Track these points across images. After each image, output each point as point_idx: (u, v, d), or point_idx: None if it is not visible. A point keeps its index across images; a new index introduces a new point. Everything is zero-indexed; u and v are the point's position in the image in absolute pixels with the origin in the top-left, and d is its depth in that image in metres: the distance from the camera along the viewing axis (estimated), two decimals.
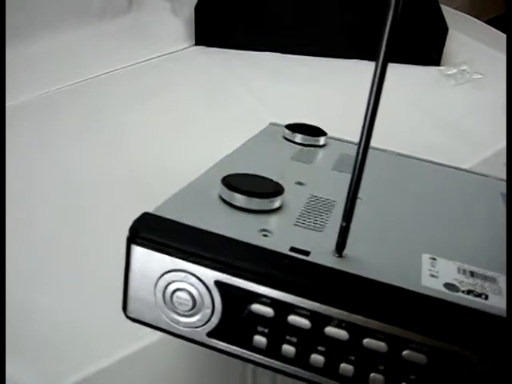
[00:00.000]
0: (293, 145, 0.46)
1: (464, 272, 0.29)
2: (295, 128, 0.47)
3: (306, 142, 0.46)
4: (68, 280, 0.45)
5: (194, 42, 0.79)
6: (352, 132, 0.64)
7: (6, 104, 0.62)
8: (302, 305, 0.27)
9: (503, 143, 0.61)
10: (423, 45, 0.75)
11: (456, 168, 0.47)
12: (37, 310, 0.43)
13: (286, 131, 0.47)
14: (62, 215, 0.51)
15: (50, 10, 0.76)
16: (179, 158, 0.59)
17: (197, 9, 0.77)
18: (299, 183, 0.37)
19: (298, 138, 0.46)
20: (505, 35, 0.78)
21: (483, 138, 0.63)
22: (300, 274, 0.27)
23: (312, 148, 0.46)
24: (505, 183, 0.45)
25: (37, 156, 0.59)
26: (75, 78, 0.71)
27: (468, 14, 0.86)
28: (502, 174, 0.46)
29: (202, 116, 0.66)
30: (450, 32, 0.73)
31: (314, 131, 0.47)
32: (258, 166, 0.36)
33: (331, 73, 0.74)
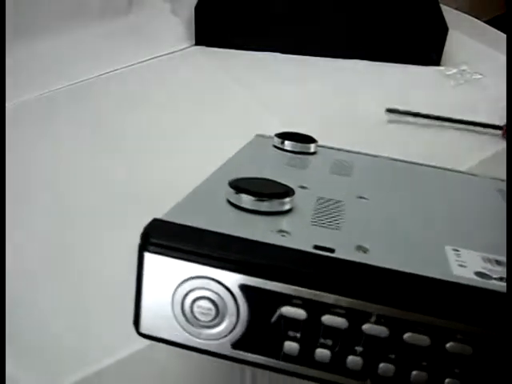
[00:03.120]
0: (284, 153, 0.46)
1: (489, 261, 0.29)
2: (285, 136, 0.47)
3: (297, 150, 0.46)
4: (67, 280, 0.45)
5: (193, 42, 0.79)
6: (351, 131, 0.64)
7: (7, 104, 0.62)
8: (337, 303, 0.25)
9: (503, 144, 0.61)
10: (423, 45, 0.75)
11: (448, 169, 0.48)
12: (36, 310, 0.43)
13: (276, 140, 0.47)
14: (61, 216, 0.51)
15: (49, 10, 0.76)
16: (178, 158, 0.59)
17: (197, 9, 0.77)
18: (302, 187, 0.37)
19: (289, 145, 0.46)
20: (505, 35, 0.78)
21: (482, 138, 0.63)
22: (333, 270, 0.26)
23: (303, 155, 0.46)
24: (500, 181, 0.45)
25: (36, 156, 0.59)
26: (75, 77, 0.71)
27: (468, 14, 0.86)
28: (500, 174, 0.46)
29: (202, 116, 0.66)
30: (450, 32, 0.73)
31: (304, 139, 0.47)
32: (256, 173, 0.36)
33: (331, 73, 0.74)
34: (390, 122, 0.64)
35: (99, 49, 0.76)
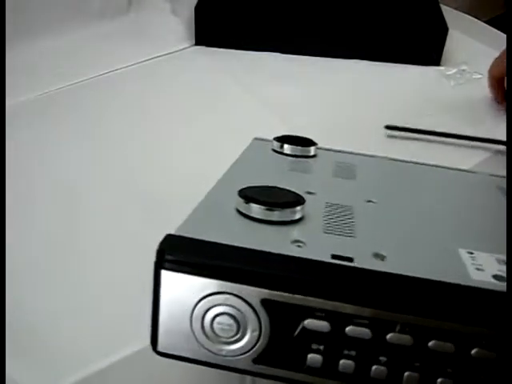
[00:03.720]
0: (284, 157, 0.46)
1: (504, 262, 0.29)
2: (284, 140, 0.47)
3: (297, 153, 0.46)
4: (67, 281, 0.45)
5: (194, 42, 0.79)
6: (351, 131, 0.64)
7: (7, 104, 0.62)
8: (360, 313, 0.25)
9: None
10: (423, 45, 0.75)
11: (448, 168, 0.48)
12: (37, 311, 0.43)
13: (275, 143, 0.47)
14: (60, 217, 0.51)
15: (49, 10, 0.76)
16: (178, 159, 0.59)
17: (197, 9, 0.77)
18: (308, 193, 0.36)
19: (289, 149, 0.46)
20: (505, 35, 0.78)
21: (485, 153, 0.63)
22: (355, 281, 0.26)
23: (304, 159, 0.46)
24: (499, 178, 0.45)
25: (36, 156, 0.59)
26: (75, 78, 0.71)
27: (468, 14, 0.86)
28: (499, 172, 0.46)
29: (202, 116, 0.66)
30: (450, 32, 0.73)
31: (303, 142, 0.47)
32: (260, 180, 0.35)
33: (331, 73, 0.74)
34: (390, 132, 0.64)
35: (99, 49, 0.76)
